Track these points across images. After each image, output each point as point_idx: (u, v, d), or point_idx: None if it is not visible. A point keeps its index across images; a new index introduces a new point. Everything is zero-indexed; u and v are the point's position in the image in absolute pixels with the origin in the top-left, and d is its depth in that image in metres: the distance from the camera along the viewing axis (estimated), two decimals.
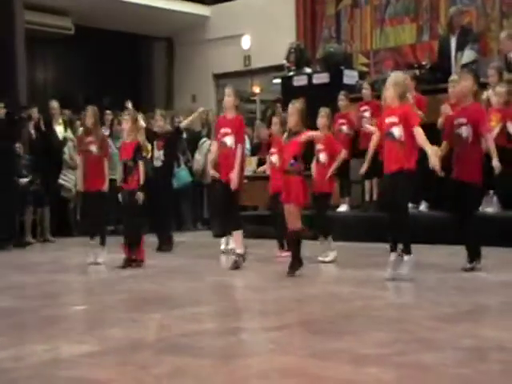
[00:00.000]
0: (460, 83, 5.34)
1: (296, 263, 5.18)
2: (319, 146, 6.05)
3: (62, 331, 3.50)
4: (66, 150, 9.47)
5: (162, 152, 7.39)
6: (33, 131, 9.61)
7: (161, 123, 7.54)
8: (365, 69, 10.64)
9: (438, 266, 5.46)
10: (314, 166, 6.10)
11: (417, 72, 8.35)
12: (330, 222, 6.26)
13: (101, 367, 2.79)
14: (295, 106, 5.27)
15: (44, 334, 3.40)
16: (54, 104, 9.78)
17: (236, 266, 5.65)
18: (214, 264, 6.29)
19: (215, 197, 7.58)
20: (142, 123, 7.41)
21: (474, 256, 5.13)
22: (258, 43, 11.82)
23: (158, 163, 7.39)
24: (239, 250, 5.73)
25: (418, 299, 4.31)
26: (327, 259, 5.97)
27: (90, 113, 6.49)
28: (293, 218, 5.17)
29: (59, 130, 9.75)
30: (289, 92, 9.38)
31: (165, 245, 7.35)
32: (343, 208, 8.16)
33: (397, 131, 4.74)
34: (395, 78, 4.90)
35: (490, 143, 5.12)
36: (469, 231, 5.15)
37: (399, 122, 4.74)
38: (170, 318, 3.71)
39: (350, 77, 9.35)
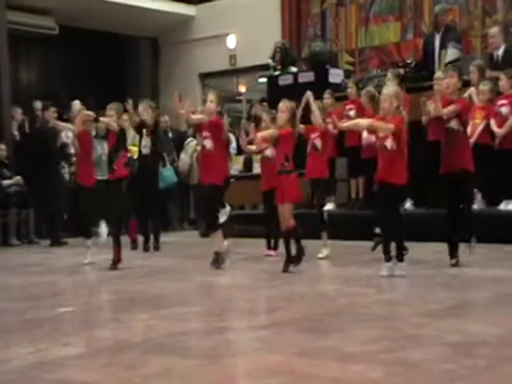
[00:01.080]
0: (446, 80, 5.39)
1: (288, 260, 5.29)
2: (314, 134, 6.15)
3: (47, 333, 3.47)
4: None
5: (149, 139, 7.38)
6: (16, 132, 9.54)
7: (148, 113, 7.45)
8: (350, 67, 10.67)
9: (424, 263, 5.50)
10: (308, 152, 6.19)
11: (401, 70, 8.38)
12: (325, 218, 6.34)
13: (87, 369, 2.78)
14: (286, 104, 5.34)
15: (29, 337, 3.37)
16: (38, 105, 9.71)
17: (217, 266, 5.68)
18: (202, 264, 6.28)
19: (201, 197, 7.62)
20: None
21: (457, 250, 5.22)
22: (243, 42, 11.81)
23: (146, 150, 7.38)
24: (218, 249, 5.75)
25: (405, 296, 4.33)
26: (321, 255, 6.07)
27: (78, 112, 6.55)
28: (286, 216, 5.25)
29: None
30: (274, 91, 9.40)
31: (148, 244, 7.35)
32: (329, 206, 8.18)
33: (388, 143, 4.79)
34: (394, 91, 4.90)
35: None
36: (469, 223, 5.26)
37: (391, 135, 4.79)
38: (157, 319, 3.70)
39: (335, 75, 9.38)
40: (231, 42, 12.10)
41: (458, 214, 5.24)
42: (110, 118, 5.99)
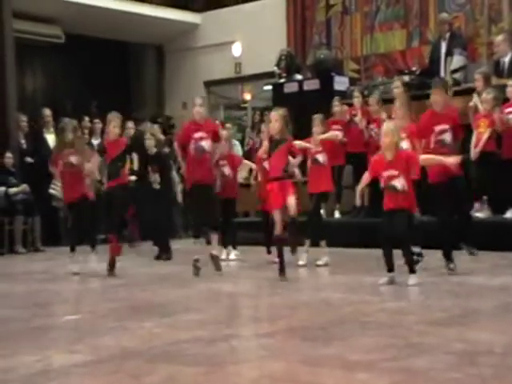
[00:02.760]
0: (432, 97, 5.37)
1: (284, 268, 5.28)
2: (317, 148, 6.13)
3: (52, 341, 3.48)
4: None
5: (157, 175, 7.40)
6: (23, 141, 9.57)
7: (151, 142, 7.47)
8: (355, 75, 10.68)
9: (430, 271, 5.47)
10: (309, 166, 6.19)
11: (406, 78, 8.39)
12: (322, 226, 6.31)
13: (92, 376, 2.78)
14: (278, 113, 5.36)
15: (34, 345, 3.37)
16: (47, 112, 9.71)
17: (219, 269, 5.70)
18: (206, 271, 6.27)
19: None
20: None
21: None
22: (248, 50, 11.84)
23: (156, 186, 7.40)
24: (215, 252, 5.77)
25: (410, 304, 4.32)
26: (320, 263, 6.05)
27: (70, 128, 6.31)
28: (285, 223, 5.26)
29: (51, 138, 9.69)
30: (280, 99, 9.41)
31: (164, 253, 7.32)
32: (335, 214, 8.17)
33: (399, 183, 4.76)
34: (393, 127, 4.88)
35: None
36: (466, 228, 5.31)
37: (399, 174, 4.77)
38: (162, 326, 3.70)
39: (340, 83, 9.40)
40: (236, 49, 12.13)
41: (452, 223, 5.25)
42: (113, 130, 6.00)
